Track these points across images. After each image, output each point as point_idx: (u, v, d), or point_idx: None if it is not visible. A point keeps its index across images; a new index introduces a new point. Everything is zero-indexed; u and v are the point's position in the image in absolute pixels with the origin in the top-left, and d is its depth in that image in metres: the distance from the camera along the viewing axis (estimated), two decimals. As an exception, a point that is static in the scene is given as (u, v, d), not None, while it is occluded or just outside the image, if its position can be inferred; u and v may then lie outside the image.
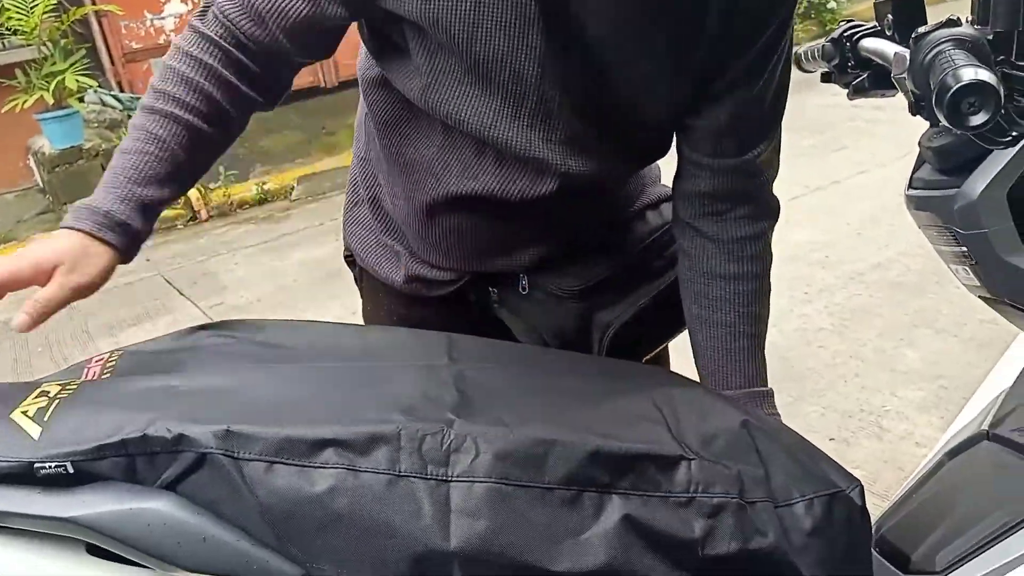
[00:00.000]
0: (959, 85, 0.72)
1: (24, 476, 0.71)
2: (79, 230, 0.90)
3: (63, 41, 5.47)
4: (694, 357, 1.12)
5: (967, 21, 0.83)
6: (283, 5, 0.93)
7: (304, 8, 0.93)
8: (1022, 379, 1.02)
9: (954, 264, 0.94)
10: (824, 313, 3.14)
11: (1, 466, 0.71)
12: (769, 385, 1.09)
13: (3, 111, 5.44)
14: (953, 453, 1.06)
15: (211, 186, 5.79)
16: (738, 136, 1.01)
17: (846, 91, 1.04)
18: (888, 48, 0.91)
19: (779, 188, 1.09)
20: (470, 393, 0.82)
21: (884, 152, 4.66)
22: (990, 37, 0.79)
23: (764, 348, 1.10)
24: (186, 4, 6.74)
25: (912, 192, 0.96)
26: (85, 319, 4.28)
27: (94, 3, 6.19)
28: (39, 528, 0.71)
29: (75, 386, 0.81)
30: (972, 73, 0.72)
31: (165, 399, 0.78)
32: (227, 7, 0.95)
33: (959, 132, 0.77)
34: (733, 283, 1.06)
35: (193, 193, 5.64)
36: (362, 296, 1.35)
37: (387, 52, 1.00)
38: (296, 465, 0.72)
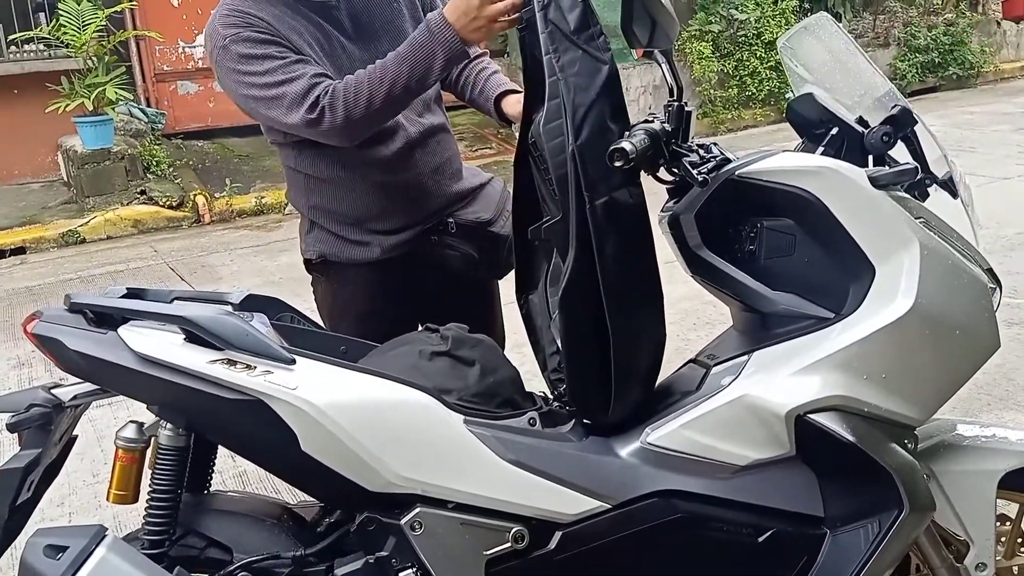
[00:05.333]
0: (612, 147, 1.37)
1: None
2: None
3: (107, 57, 6.28)
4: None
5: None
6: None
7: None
8: (721, 335, 1.75)
9: (676, 257, 1.66)
10: (704, 338, 3.87)
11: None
12: None
13: (46, 111, 6.24)
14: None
15: (216, 195, 6.56)
16: None
17: None
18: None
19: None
20: None
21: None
22: (668, 129, 1.50)
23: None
24: (215, 36, 7.57)
25: (660, 215, 1.70)
26: (102, 289, 4.99)
27: (136, 28, 7.04)
28: (157, 321, 1.40)
29: None
30: (622, 143, 1.38)
31: None
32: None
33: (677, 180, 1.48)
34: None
35: (200, 199, 6.41)
36: (326, 287, 1.94)
37: None
38: None
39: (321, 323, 1.91)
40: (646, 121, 1.41)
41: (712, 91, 8.47)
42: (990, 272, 1.49)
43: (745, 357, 1.52)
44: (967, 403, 2.99)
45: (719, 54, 8.47)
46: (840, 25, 1.69)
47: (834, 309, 1.47)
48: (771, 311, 1.51)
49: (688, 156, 1.41)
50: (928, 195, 1.54)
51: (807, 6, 9.11)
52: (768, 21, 8.50)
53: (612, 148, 1.31)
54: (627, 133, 1.39)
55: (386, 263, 1.86)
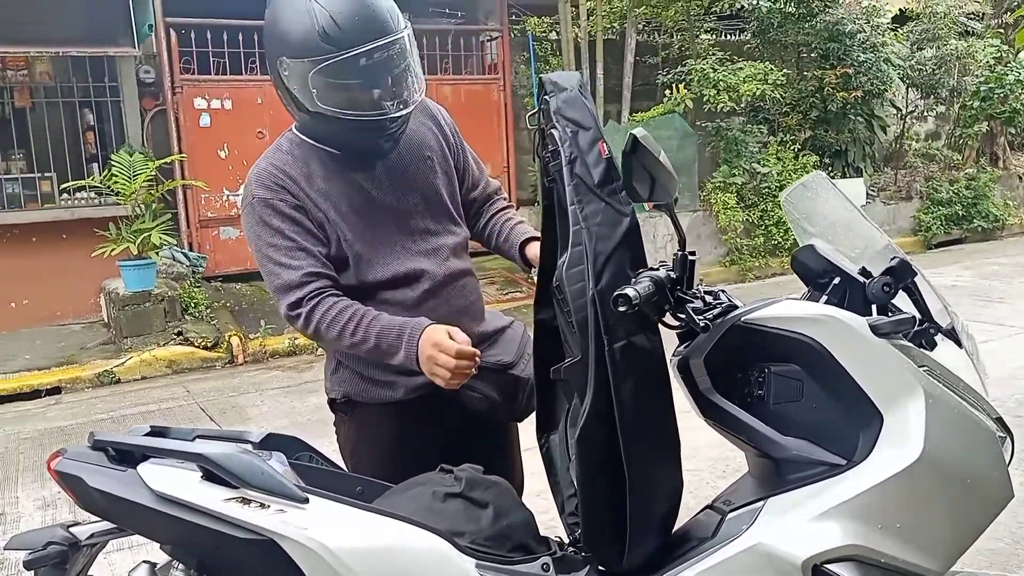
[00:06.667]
0: (616, 293, 1.42)
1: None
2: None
3: (154, 205, 6.63)
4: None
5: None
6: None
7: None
8: (737, 480, 1.75)
9: (688, 401, 1.68)
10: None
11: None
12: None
13: (92, 256, 6.53)
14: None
15: (251, 336, 6.71)
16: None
17: None
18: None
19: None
20: None
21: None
22: (673, 276, 1.58)
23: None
24: (258, 186, 7.98)
25: (671, 358, 1.74)
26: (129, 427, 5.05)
27: (184, 177, 7.45)
28: (177, 458, 1.45)
29: None
30: (626, 289, 1.43)
31: None
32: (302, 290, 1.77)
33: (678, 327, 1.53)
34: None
35: (234, 340, 6.56)
36: (349, 426, 1.98)
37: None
38: None
39: (343, 463, 1.93)
40: (653, 269, 1.48)
41: (739, 239, 8.64)
42: (999, 421, 1.49)
43: (760, 503, 1.51)
44: (1006, 559, 2.87)
45: (744, 204, 8.70)
46: (835, 182, 1.77)
47: (845, 455, 1.47)
48: (783, 456, 1.51)
49: (691, 302, 1.47)
50: (936, 344, 1.56)
51: (827, 161, 9.40)
52: (790, 175, 8.75)
53: (616, 293, 1.37)
54: (632, 280, 1.45)
55: (409, 404, 1.90)
